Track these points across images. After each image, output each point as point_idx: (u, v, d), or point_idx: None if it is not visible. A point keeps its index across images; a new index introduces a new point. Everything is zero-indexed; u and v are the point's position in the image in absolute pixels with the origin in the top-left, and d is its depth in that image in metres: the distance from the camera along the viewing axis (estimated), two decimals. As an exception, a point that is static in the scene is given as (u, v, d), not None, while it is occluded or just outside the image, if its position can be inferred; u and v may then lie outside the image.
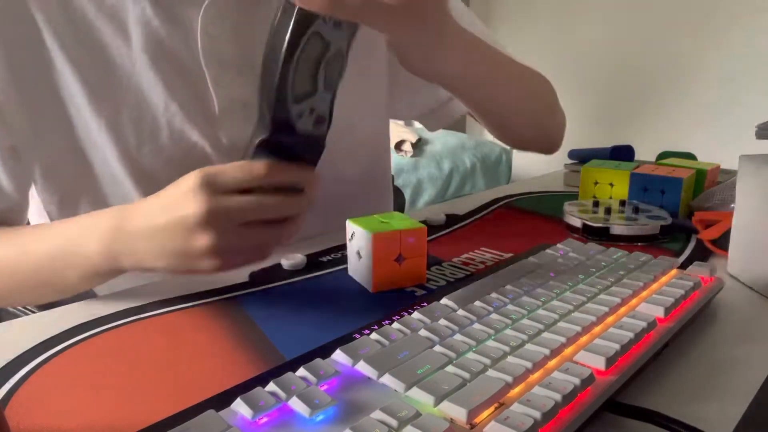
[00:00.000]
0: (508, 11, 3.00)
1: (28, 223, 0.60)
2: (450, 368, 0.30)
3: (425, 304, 0.39)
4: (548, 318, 0.36)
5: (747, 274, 0.48)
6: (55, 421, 0.32)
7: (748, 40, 2.22)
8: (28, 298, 0.55)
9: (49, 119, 0.53)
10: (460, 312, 0.37)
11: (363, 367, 0.31)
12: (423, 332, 0.34)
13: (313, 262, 0.54)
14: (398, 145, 2.48)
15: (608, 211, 0.62)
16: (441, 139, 2.61)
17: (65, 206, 0.56)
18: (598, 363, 0.31)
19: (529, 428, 0.25)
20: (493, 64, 0.59)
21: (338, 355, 0.32)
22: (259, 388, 0.29)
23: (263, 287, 0.49)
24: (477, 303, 0.38)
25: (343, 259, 0.53)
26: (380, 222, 0.48)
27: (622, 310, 0.39)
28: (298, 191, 0.41)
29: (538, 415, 0.26)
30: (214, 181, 0.39)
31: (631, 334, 0.34)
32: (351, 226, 0.48)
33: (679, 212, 0.66)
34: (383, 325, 0.36)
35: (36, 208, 0.58)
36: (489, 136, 2.51)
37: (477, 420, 0.26)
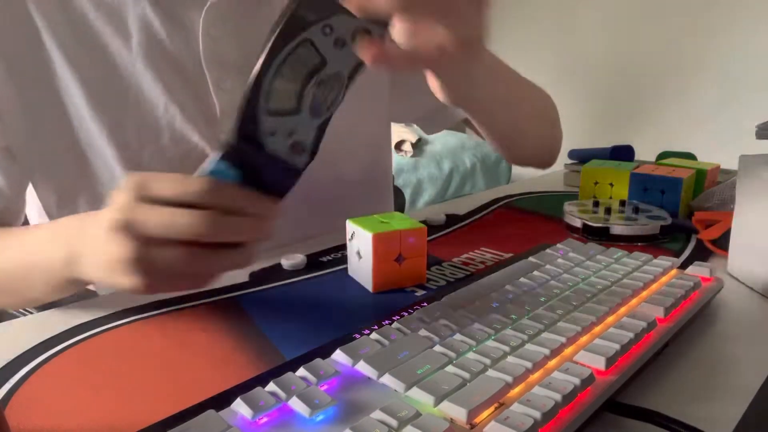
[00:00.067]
0: (508, 11, 2.99)
1: (28, 223, 0.60)
2: (450, 368, 0.30)
3: (425, 304, 0.39)
4: (548, 318, 0.36)
5: (747, 274, 0.48)
6: (55, 421, 0.32)
7: (748, 40, 2.22)
8: (7, 301, 0.53)
9: (47, 119, 0.53)
10: (460, 312, 0.37)
11: (363, 367, 0.31)
12: (423, 332, 0.34)
13: (313, 262, 0.54)
14: (398, 145, 2.48)
15: (608, 211, 0.62)
16: (441, 139, 2.62)
17: (64, 206, 0.56)
18: (598, 363, 0.31)
19: (529, 428, 0.25)
20: (509, 84, 0.60)
21: (338, 355, 0.32)
22: (259, 388, 0.29)
23: (263, 287, 0.49)
24: (477, 303, 0.38)
25: (343, 259, 0.53)
26: (380, 222, 0.48)
27: (622, 310, 0.39)
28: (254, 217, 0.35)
29: (538, 415, 0.26)
30: (141, 187, 0.34)
31: (631, 334, 0.34)
32: (351, 226, 0.48)
33: (679, 212, 0.66)
34: (383, 325, 0.36)
35: (36, 208, 0.58)
36: (489, 136, 2.51)
37: (477, 420, 0.26)
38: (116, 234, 0.34)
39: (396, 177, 2.28)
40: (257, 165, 0.34)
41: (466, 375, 0.29)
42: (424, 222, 0.51)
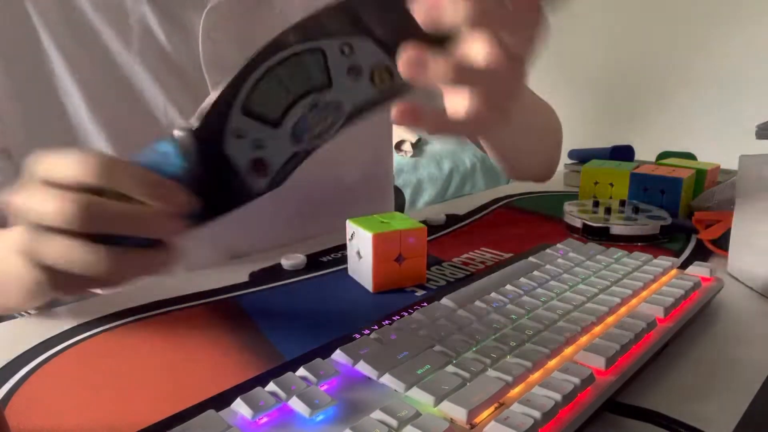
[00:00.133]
0: (508, 11, 2.99)
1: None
2: (450, 368, 0.30)
3: (425, 304, 0.39)
4: (548, 318, 0.36)
5: (747, 274, 0.48)
6: (55, 421, 0.32)
7: (748, 40, 2.22)
8: None
9: (45, 120, 0.53)
10: (460, 312, 0.37)
11: (363, 367, 0.31)
12: (423, 332, 0.34)
13: (313, 262, 0.54)
14: (398, 145, 2.48)
15: (608, 211, 0.62)
16: (441, 139, 2.62)
17: None
18: (598, 363, 0.31)
19: (529, 428, 0.25)
20: (525, 111, 0.59)
21: (338, 355, 0.32)
22: (259, 388, 0.29)
23: (263, 287, 0.49)
24: (477, 303, 0.38)
25: (343, 259, 0.53)
26: (380, 222, 0.48)
27: (622, 310, 0.39)
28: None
29: (538, 415, 0.26)
30: (35, 168, 0.30)
31: (631, 334, 0.34)
32: (351, 226, 0.48)
33: (679, 212, 0.66)
34: (383, 325, 0.36)
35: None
36: (489, 136, 2.51)
37: (477, 420, 0.26)
38: (11, 214, 0.30)
39: (396, 177, 2.28)
40: (206, 164, 0.29)
41: (466, 375, 0.29)
42: (424, 222, 0.51)
